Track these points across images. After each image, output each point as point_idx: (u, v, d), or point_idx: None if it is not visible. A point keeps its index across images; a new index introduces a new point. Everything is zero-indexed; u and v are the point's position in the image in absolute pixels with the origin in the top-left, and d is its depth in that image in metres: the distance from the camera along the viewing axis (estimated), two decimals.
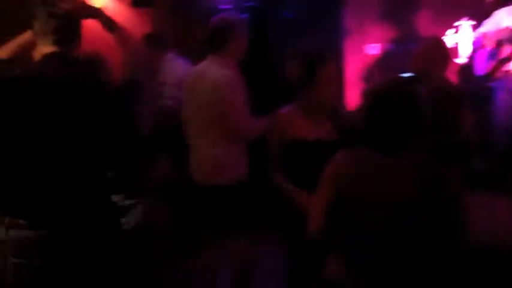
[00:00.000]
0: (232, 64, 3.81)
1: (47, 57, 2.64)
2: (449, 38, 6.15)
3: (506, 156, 5.06)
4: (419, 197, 2.43)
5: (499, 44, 5.32)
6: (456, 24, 5.83)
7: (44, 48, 2.66)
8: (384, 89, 2.54)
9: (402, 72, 5.46)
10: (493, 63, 5.36)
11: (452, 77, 6.25)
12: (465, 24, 6.17)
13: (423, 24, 6.90)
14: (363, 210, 2.53)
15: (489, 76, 5.36)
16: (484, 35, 5.47)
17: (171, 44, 6.01)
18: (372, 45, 6.89)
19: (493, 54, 5.37)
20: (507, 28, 5.29)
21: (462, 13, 5.70)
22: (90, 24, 5.82)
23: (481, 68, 5.50)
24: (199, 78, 3.84)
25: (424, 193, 2.43)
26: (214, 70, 3.75)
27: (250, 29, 3.97)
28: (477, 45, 5.65)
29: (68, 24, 2.70)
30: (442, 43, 4.36)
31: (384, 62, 6.75)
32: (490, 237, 3.81)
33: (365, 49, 6.91)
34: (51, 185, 2.51)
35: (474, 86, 5.56)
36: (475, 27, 5.98)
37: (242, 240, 3.88)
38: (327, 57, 3.43)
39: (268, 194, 3.63)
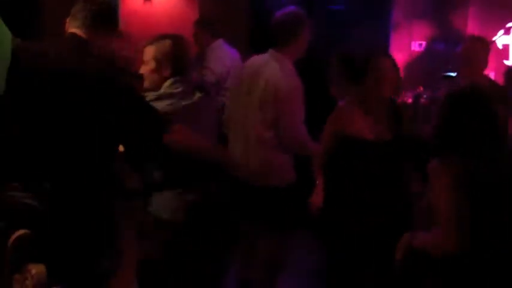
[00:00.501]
0: (291, 62, 3.62)
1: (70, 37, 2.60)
2: (500, 39, 6.07)
3: None
4: None
5: None
6: (508, 25, 5.71)
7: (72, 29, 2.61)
8: (461, 94, 2.51)
9: (445, 71, 5.43)
10: None
11: (500, 79, 6.20)
12: None
13: (472, 23, 6.82)
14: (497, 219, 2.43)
15: None
16: None
17: (220, 32, 6.00)
18: (418, 42, 6.83)
19: None
20: None
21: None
22: None
23: None
24: (256, 72, 3.61)
25: None
26: (273, 67, 3.55)
27: None
28: None
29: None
30: (484, 43, 4.25)
31: (428, 60, 6.69)
32: None
33: (411, 46, 6.86)
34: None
35: None
36: None
37: (274, 239, 3.75)
38: (385, 53, 3.41)
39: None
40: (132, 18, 6.49)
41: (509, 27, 5.89)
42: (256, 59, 3.72)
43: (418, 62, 6.73)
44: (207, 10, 6.59)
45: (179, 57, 3.05)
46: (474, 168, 2.39)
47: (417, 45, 6.85)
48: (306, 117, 3.63)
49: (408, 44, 6.85)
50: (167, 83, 3.03)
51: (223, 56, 5.76)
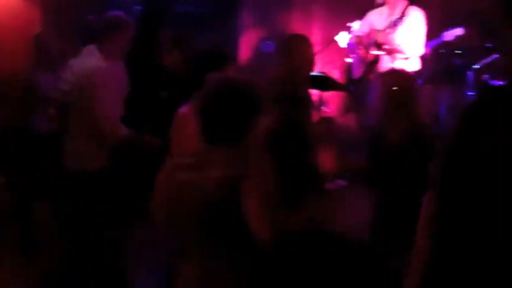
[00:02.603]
0: (107, 58, 3.95)
1: None
2: (342, 38, 6.31)
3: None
4: None
5: (369, 47, 5.38)
6: (349, 24, 5.95)
7: None
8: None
9: None
10: (364, 66, 5.44)
11: (341, 77, 6.48)
12: (356, 26, 6.35)
13: (316, 23, 7.07)
14: None
15: (363, 79, 5.41)
16: (357, 38, 5.53)
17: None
18: (268, 42, 6.95)
19: (364, 58, 5.45)
20: (374, 32, 5.35)
21: (355, 14, 5.82)
22: None
23: (357, 70, 5.58)
24: (73, 67, 4.00)
25: None
26: (88, 60, 3.92)
27: (142, 22, 4.06)
28: (351, 48, 5.69)
29: None
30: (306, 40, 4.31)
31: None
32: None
33: (260, 46, 6.98)
34: None
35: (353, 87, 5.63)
36: None
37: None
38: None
39: None
40: None
41: (350, 27, 6.11)
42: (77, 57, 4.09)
43: (268, 62, 6.85)
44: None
45: None
46: None
47: (266, 46, 6.97)
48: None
49: (257, 45, 6.96)
50: None
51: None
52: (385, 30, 5.28)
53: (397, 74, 3.68)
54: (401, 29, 5.18)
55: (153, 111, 4.74)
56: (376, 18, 5.44)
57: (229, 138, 2.25)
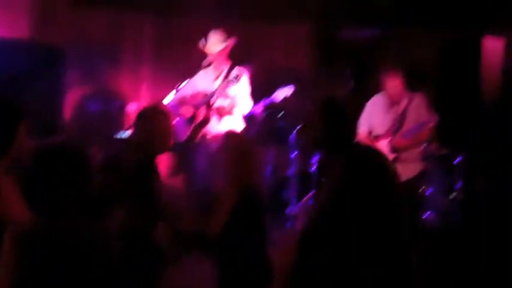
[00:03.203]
0: None
1: None
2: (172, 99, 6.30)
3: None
4: None
5: (196, 108, 5.42)
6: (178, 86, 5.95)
7: None
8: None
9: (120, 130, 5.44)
10: (191, 128, 5.44)
11: None
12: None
13: (146, 84, 7.05)
14: None
15: (189, 141, 5.42)
16: (180, 100, 5.52)
17: None
18: (93, 101, 6.79)
19: (190, 119, 5.46)
20: (201, 93, 5.45)
21: (183, 75, 5.84)
22: None
23: (181, 132, 5.51)
24: None
25: None
26: None
27: None
28: (174, 109, 5.64)
29: None
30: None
31: (102, 120, 6.69)
32: None
33: (85, 106, 6.78)
34: None
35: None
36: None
37: None
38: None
39: None
40: None
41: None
42: None
43: (93, 122, 6.67)
44: None
45: None
46: None
47: (92, 104, 6.79)
48: None
49: (83, 104, 6.76)
50: None
51: None
52: (214, 91, 5.37)
53: (237, 137, 3.74)
54: (229, 89, 5.30)
55: None
56: (202, 79, 5.52)
57: None
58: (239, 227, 3.30)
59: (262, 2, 6.37)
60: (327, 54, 7.48)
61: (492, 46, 3.98)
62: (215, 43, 5.40)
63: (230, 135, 3.80)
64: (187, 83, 5.50)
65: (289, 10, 6.79)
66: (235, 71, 5.40)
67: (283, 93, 5.58)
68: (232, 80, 5.24)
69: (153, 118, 3.73)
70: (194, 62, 6.12)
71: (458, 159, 5.53)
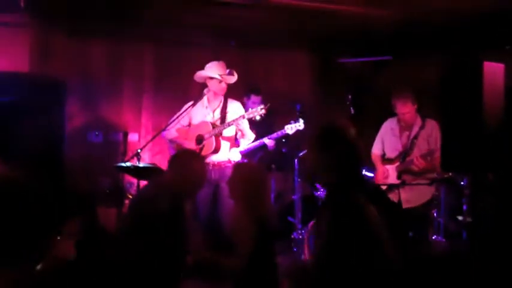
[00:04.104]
0: None
1: None
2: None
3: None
4: None
5: (201, 138, 5.38)
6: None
7: None
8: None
9: (123, 160, 5.44)
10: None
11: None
12: None
13: (145, 112, 7.06)
14: None
15: None
16: (178, 130, 5.52)
17: None
18: (95, 132, 6.79)
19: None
20: (207, 123, 5.38)
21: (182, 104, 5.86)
22: None
23: None
24: None
25: None
26: None
27: None
28: (171, 141, 5.62)
29: None
30: None
31: (104, 149, 6.69)
32: None
33: (87, 136, 6.80)
34: None
35: None
36: None
37: None
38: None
39: None
40: None
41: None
42: None
43: (95, 152, 6.67)
44: None
45: None
46: None
47: (93, 136, 6.79)
48: None
49: (84, 134, 6.76)
50: None
51: None
52: (215, 122, 5.39)
53: (250, 166, 3.75)
54: (240, 120, 5.29)
55: None
56: (198, 111, 5.51)
57: None
58: (260, 256, 3.28)
59: (262, 31, 6.41)
60: (327, 80, 7.54)
61: (493, 68, 4.01)
62: (215, 74, 5.40)
63: (242, 165, 3.82)
64: (183, 115, 5.48)
65: (289, 39, 6.85)
66: (229, 103, 5.48)
67: (295, 127, 5.54)
68: (256, 112, 5.23)
69: (191, 162, 3.80)
70: (194, 92, 6.16)
71: (463, 182, 5.54)
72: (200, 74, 5.48)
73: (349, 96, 6.26)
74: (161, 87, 7.12)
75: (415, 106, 5.25)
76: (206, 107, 5.50)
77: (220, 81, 5.40)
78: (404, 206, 5.14)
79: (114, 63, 6.96)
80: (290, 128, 5.52)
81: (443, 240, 5.46)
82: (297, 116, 5.58)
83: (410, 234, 4.88)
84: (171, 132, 5.54)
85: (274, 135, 5.73)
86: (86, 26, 6.41)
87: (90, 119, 6.82)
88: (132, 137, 6.89)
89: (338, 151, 2.63)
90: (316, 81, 7.67)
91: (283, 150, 6.29)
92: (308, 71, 7.70)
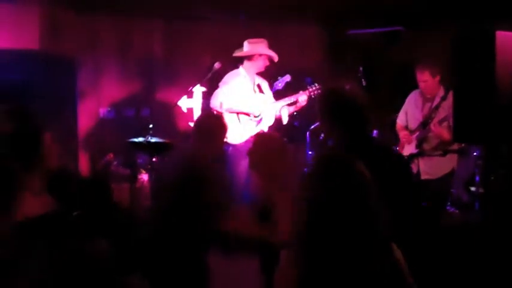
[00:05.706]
0: None
1: None
2: (184, 103, 6.35)
3: None
4: None
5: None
6: (191, 89, 5.98)
7: None
8: None
9: (135, 136, 5.46)
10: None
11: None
12: (198, 90, 6.43)
13: (158, 88, 7.06)
14: None
15: None
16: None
17: None
18: (107, 108, 6.81)
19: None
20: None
21: (195, 80, 5.86)
22: None
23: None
24: None
25: None
26: None
27: None
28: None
29: None
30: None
31: (117, 126, 6.70)
32: None
33: (100, 112, 6.82)
34: None
35: None
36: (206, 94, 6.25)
37: None
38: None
39: None
40: None
41: (192, 91, 6.17)
42: None
43: (108, 128, 6.70)
44: None
45: None
46: None
47: (106, 112, 6.81)
48: None
49: (96, 111, 6.78)
50: None
51: None
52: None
53: (270, 137, 3.75)
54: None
55: None
56: (239, 86, 5.52)
57: None
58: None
59: (271, 4, 6.36)
60: (337, 53, 7.49)
61: (506, 38, 3.97)
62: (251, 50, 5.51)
63: (262, 135, 3.82)
64: (227, 89, 5.47)
65: (299, 12, 6.79)
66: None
67: (283, 80, 5.67)
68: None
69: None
70: (204, 66, 6.16)
71: (476, 153, 5.54)
72: (255, 49, 5.53)
73: (360, 68, 6.21)
74: (171, 62, 7.11)
75: (437, 78, 5.20)
76: (246, 82, 5.56)
77: (266, 59, 5.51)
78: (423, 177, 5.14)
79: (123, 39, 6.94)
80: (278, 83, 5.67)
81: (457, 211, 5.48)
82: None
83: (424, 204, 4.86)
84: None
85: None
86: (95, 1, 6.39)
87: (101, 95, 6.83)
88: (144, 112, 6.90)
89: (344, 113, 2.70)
90: (327, 54, 7.62)
91: (295, 123, 6.29)
92: (318, 44, 7.65)
